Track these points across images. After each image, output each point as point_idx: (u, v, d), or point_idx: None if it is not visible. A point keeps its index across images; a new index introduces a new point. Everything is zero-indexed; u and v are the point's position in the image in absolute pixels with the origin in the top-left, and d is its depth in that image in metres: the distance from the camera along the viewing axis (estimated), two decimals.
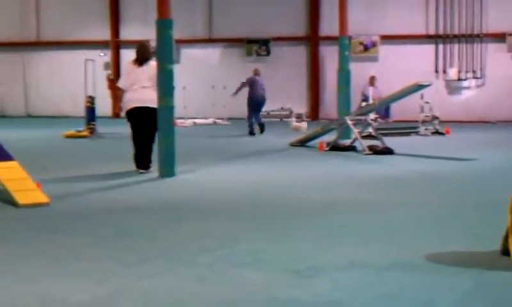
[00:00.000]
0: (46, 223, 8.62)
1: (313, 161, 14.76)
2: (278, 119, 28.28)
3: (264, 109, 28.57)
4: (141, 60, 12.92)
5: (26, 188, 10.04)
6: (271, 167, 13.82)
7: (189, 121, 25.91)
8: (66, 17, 30.76)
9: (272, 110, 28.72)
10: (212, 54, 29.55)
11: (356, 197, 10.37)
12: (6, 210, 9.46)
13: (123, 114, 13.36)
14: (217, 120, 27.16)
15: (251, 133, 22.05)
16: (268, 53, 29.22)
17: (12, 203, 9.66)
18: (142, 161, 12.89)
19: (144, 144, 12.87)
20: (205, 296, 5.65)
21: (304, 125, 23.11)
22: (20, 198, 9.70)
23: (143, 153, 12.89)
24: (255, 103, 22.68)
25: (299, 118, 28.50)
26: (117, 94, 13.31)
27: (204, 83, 28.58)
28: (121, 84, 13.14)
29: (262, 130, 22.34)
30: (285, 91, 28.66)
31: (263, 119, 23.00)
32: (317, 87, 28.85)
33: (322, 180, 12.10)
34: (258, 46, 29.31)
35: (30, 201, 9.67)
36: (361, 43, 28.21)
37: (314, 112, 28.75)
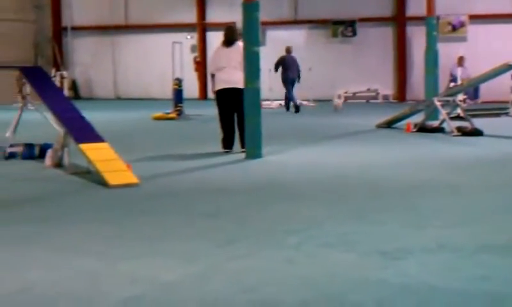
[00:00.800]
0: (136, 203, 8.79)
1: (400, 142, 14.63)
2: (365, 101, 28.11)
3: (351, 89, 28.59)
4: (228, 41, 13.07)
5: (117, 169, 10.24)
6: (357, 149, 13.77)
7: (275, 103, 25.96)
8: (154, 1, 31.11)
9: (359, 92, 28.60)
10: (298, 35, 29.51)
11: (444, 178, 10.25)
12: (97, 190, 9.67)
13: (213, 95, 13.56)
14: (303, 102, 27.14)
15: (287, 108, 23.67)
16: (354, 34, 29.04)
17: (103, 183, 9.87)
18: (229, 141, 13.05)
19: (232, 125, 13.02)
20: (293, 277, 5.68)
21: (340, 102, 23.35)
22: (111, 179, 9.90)
23: (231, 133, 13.04)
24: (285, 82, 23.56)
25: (386, 99, 28.31)
26: (211, 78, 13.52)
27: None
28: (211, 67, 13.42)
29: (296, 110, 22.89)
30: (371, 72, 28.48)
31: (298, 101, 23.71)
32: (403, 68, 28.55)
33: (410, 162, 11.99)
34: (344, 27, 29.15)
35: (120, 181, 9.86)
36: (449, 23, 27.79)
37: (401, 93, 28.47)
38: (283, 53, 25.42)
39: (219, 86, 13.14)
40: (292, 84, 23.33)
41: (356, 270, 5.79)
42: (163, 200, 8.98)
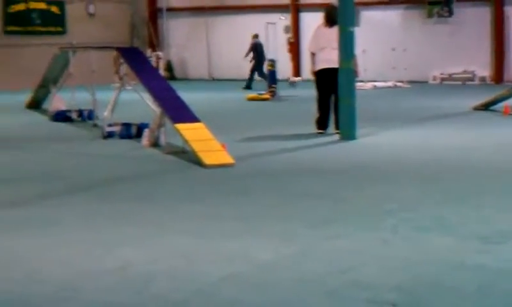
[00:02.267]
0: (232, 183, 8.86)
1: (498, 125, 14.32)
2: (461, 83, 27.65)
3: (447, 71, 28.12)
4: (330, 21, 12.98)
5: (212, 149, 10.35)
6: (453, 131, 13.54)
7: (369, 84, 25.76)
8: None
9: (455, 73, 28.12)
10: (393, 16, 29.17)
11: None
12: (192, 170, 9.79)
13: (308, 76, 13.49)
14: (398, 83, 26.86)
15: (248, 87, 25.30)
16: (450, 14, 28.51)
17: (198, 163, 9.98)
18: (324, 122, 13.01)
19: (328, 106, 12.97)
20: (389, 259, 5.64)
21: (295, 79, 25.75)
22: (206, 159, 10.01)
23: (327, 114, 13.00)
24: (261, 63, 25.79)
25: (482, 81, 27.75)
26: (311, 56, 13.42)
27: (384, 46, 28.29)
28: (311, 47, 13.34)
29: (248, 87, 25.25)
30: (468, 54, 27.94)
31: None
32: (501, 49, 27.91)
33: (508, 145, 11.72)
34: (439, 7, 28.64)
35: (216, 161, 9.96)
36: None
37: (498, 74, 27.85)
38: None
39: (319, 66, 13.07)
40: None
41: (454, 254, 5.72)
42: (258, 180, 9.04)
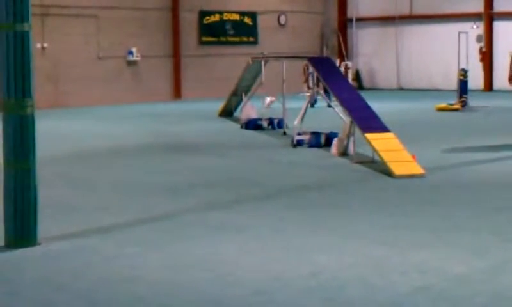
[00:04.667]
0: (423, 194, 8.77)
1: None
2: None
3: None
4: None
5: (402, 160, 10.29)
6: None
7: None
8: None
9: None
10: None
11: None
12: (382, 180, 9.76)
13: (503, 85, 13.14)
14: None
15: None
16: None
17: (387, 173, 9.94)
18: None
19: None
20: None
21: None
22: (396, 169, 9.96)
23: None
24: None
25: None
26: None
27: None
28: None
29: None
30: None
31: None
32: None
33: None
34: None
35: (406, 172, 9.89)
36: None
37: None
38: None
39: None
40: None
41: None
42: (449, 192, 8.89)
